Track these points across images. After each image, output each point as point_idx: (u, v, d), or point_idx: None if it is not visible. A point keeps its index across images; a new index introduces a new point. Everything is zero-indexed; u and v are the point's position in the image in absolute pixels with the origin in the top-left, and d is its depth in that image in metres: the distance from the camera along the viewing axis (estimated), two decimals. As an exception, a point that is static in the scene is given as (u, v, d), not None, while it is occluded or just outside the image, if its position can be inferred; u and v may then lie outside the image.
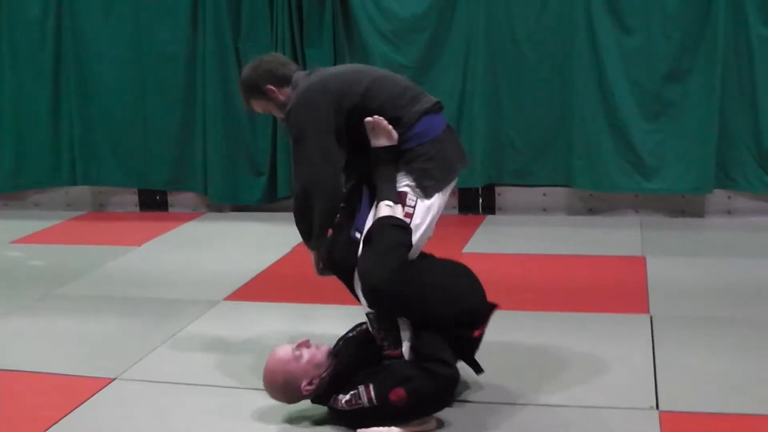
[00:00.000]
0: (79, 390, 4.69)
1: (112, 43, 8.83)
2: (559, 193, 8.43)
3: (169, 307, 6.02)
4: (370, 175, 4.31)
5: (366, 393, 3.96)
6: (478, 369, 4.25)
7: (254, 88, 4.54)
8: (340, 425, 4.09)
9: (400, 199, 4.21)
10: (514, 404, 4.27)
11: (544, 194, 8.46)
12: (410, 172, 4.27)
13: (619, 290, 6.00)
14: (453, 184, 4.49)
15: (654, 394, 4.35)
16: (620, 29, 7.92)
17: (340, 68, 4.77)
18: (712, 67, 7.74)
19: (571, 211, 8.42)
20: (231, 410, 4.42)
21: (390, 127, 4.22)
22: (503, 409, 4.22)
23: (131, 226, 8.67)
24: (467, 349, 4.20)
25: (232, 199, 8.80)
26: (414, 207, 4.24)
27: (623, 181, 8.11)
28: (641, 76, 7.93)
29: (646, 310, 5.53)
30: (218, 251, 7.49)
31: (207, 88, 8.59)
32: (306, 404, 4.25)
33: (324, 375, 4.14)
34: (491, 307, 4.26)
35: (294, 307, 5.98)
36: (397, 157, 4.28)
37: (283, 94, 4.47)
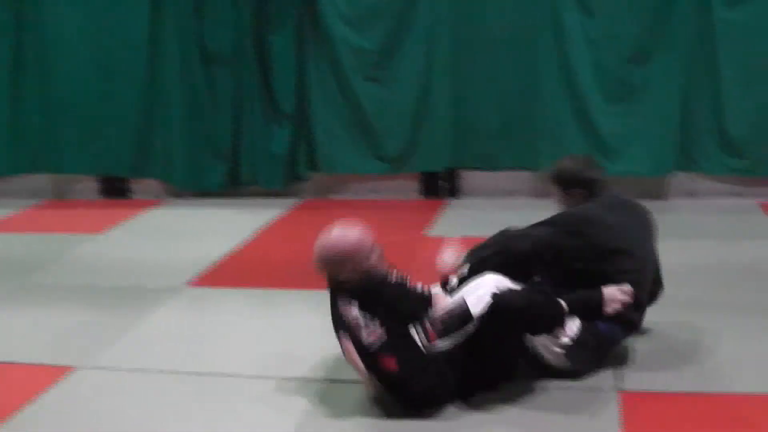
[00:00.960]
0: (41, 378, 4.65)
1: (73, 29, 8.73)
2: (523, 176, 8.44)
3: (132, 295, 5.97)
4: None
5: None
6: None
7: None
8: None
9: None
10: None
11: (509, 177, 8.45)
12: None
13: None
14: None
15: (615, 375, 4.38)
16: (584, 13, 7.92)
17: None
18: (675, 50, 7.77)
19: (536, 194, 8.41)
20: (195, 396, 4.40)
21: None
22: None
23: (93, 213, 8.59)
24: None
25: (195, 185, 8.74)
26: None
27: (587, 164, 8.12)
28: (605, 60, 7.94)
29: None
30: (181, 238, 7.44)
31: (168, 75, 8.52)
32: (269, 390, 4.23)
33: None
34: None
35: (257, 293, 5.95)
36: None
37: None
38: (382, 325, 3.98)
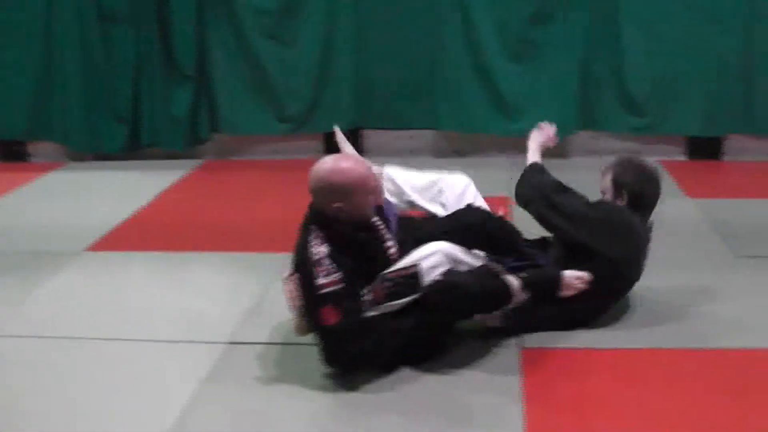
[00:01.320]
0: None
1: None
2: (425, 135, 8.46)
3: (30, 261, 5.86)
4: None
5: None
6: None
7: None
8: None
9: None
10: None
11: (411, 137, 8.48)
12: None
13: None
14: None
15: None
16: (485, -29, 7.95)
17: None
18: (577, 9, 7.84)
19: (438, 153, 8.46)
20: (96, 362, 4.36)
21: None
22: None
23: (-10, 177, 8.45)
24: None
25: (94, 148, 8.60)
26: None
27: (489, 123, 8.19)
28: (506, 18, 7.97)
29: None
30: (81, 202, 7.32)
31: (64, 34, 8.32)
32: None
33: None
34: None
35: (159, 256, 5.90)
36: None
37: None
38: (342, 276, 3.90)
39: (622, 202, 4.61)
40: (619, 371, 4.16)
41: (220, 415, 3.84)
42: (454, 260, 4.09)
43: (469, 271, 4.10)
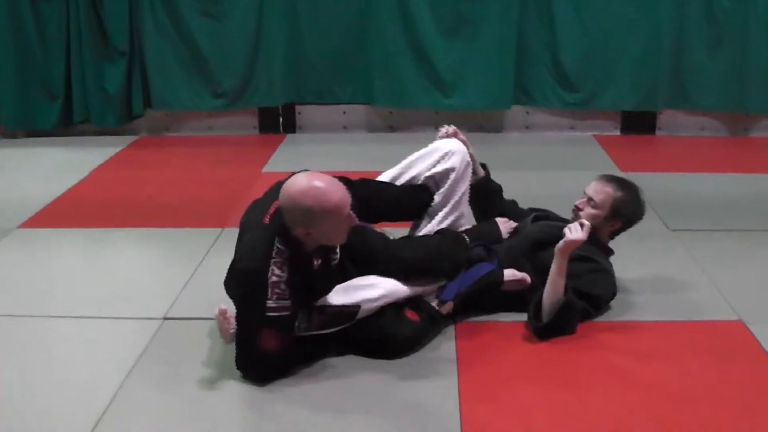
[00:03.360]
0: None
1: None
2: (359, 111, 8.46)
3: (-40, 238, 5.81)
4: None
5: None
6: None
7: None
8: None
9: None
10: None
11: (345, 112, 8.47)
12: None
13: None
14: None
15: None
16: (417, -56, 7.95)
17: None
18: (510, -16, 7.86)
19: (372, 128, 8.46)
20: (27, 340, 4.33)
21: None
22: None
23: None
24: None
25: (26, 124, 8.48)
26: None
27: (422, 99, 8.20)
28: (440, -8, 7.98)
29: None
30: (12, 178, 7.23)
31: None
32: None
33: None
34: None
35: (92, 233, 5.85)
36: None
37: None
38: (291, 304, 3.77)
39: (613, 225, 4.60)
40: (549, 342, 4.20)
41: (155, 391, 3.83)
42: (397, 297, 4.11)
43: (410, 323, 4.13)
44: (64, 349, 4.23)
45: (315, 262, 3.95)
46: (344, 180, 4.02)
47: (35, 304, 4.72)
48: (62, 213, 6.27)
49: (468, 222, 4.70)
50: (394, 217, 4.62)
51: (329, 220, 3.75)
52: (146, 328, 4.37)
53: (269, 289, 3.71)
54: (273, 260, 3.74)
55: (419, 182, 4.57)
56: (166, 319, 4.48)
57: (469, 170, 4.59)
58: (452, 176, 4.51)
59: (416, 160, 4.62)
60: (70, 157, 7.77)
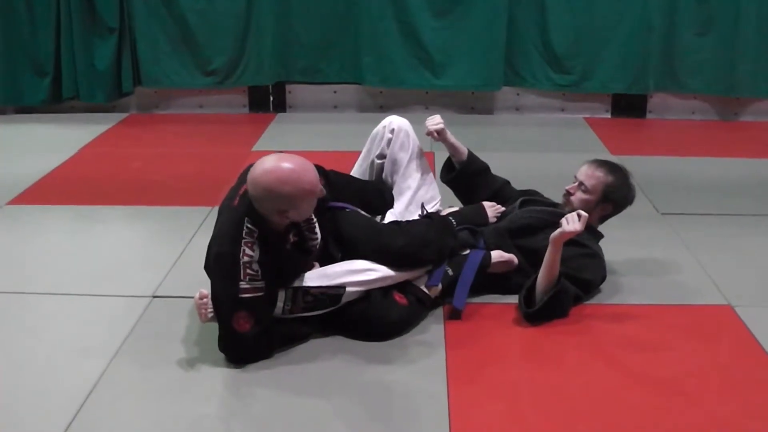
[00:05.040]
0: None
1: None
2: (349, 91, 8.44)
3: (-52, 214, 5.79)
4: None
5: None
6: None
7: None
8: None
9: None
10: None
11: (335, 92, 8.45)
12: None
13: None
14: None
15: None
16: None
17: None
18: (501, -36, 7.84)
19: (362, 108, 8.44)
20: (17, 316, 4.33)
21: None
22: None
23: None
24: None
25: (15, 100, 8.44)
26: None
27: (413, 78, 8.19)
28: (430, -28, 7.95)
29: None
30: (2, 155, 7.18)
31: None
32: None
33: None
34: None
35: (81, 210, 5.83)
36: None
37: None
38: (264, 284, 3.77)
39: (603, 209, 4.60)
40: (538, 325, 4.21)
41: (142, 369, 3.82)
42: (384, 282, 4.11)
43: (398, 306, 4.13)
44: (51, 326, 4.23)
45: (289, 239, 3.96)
46: (317, 168, 4.02)
47: (23, 281, 4.71)
48: (51, 190, 6.25)
49: (429, 184, 4.81)
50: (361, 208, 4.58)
51: (308, 199, 3.79)
52: (135, 306, 4.37)
53: (241, 271, 3.73)
54: (244, 240, 3.75)
55: (378, 162, 4.78)
56: (154, 297, 4.48)
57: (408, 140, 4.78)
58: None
59: (368, 148, 4.86)
60: (59, 134, 7.74)
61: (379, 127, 4.82)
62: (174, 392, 3.65)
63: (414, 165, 4.73)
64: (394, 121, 4.77)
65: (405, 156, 4.72)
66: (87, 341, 4.06)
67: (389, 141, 4.74)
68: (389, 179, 4.78)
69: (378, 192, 4.71)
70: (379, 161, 4.76)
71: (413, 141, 4.78)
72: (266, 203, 3.74)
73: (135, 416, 3.50)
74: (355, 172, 4.85)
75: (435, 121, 4.82)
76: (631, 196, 4.64)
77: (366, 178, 4.81)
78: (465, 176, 4.94)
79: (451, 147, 4.92)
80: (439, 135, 4.81)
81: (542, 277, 4.20)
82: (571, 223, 4.13)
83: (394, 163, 4.74)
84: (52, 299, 4.48)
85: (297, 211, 3.79)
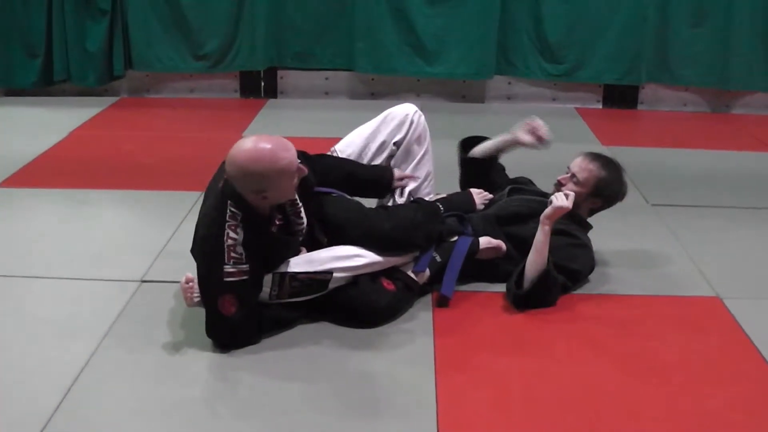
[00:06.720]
0: None
1: None
2: (341, 77, 8.44)
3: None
4: None
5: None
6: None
7: None
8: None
9: None
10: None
11: (327, 78, 8.45)
12: None
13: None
14: None
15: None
16: None
17: None
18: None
19: (354, 94, 8.44)
20: (4, 299, 4.32)
21: None
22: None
23: None
24: None
25: (6, 82, 8.42)
26: None
27: (404, 65, 8.19)
28: (424, -41, 7.95)
29: (427, 191, 5.62)
30: (-9, 137, 7.21)
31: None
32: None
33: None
34: None
35: (72, 193, 5.82)
36: None
37: None
38: (249, 267, 3.77)
39: (594, 203, 4.60)
40: (526, 313, 4.23)
41: (131, 353, 3.82)
42: (371, 268, 4.11)
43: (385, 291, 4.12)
44: (41, 309, 4.22)
45: (275, 222, 3.95)
46: (301, 153, 4.01)
47: (13, 264, 4.70)
48: (41, 173, 6.24)
49: (430, 181, 4.79)
50: (351, 192, 4.54)
51: (284, 178, 3.74)
52: (124, 289, 4.37)
53: (226, 254, 3.72)
54: (228, 223, 3.74)
55: (387, 150, 4.68)
56: (143, 281, 4.47)
57: (426, 134, 4.75)
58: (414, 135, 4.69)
59: (378, 127, 4.73)
60: (51, 116, 7.73)
61: (399, 112, 4.70)
62: (161, 375, 3.65)
63: (425, 160, 4.72)
64: (417, 113, 4.71)
65: (419, 150, 4.69)
66: (75, 324, 4.05)
67: (408, 130, 4.68)
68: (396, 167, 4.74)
69: (376, 176, 4.62)
70: (394, 148, 4.72)
71: (428, 136, 4.76)
72: (241, 182, 3.73)
73: (122, 398, 3.49)
74: (354, 145, 4.74)
75: (545, 129, 4.79)
76: (623, 193, 4.63)
77: (368, 156, 4.70)
78: (487, 167, 5.02)
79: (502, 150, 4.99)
80: (540, 142, 4.78)
81: (533, 257, 4.21)
82: (561, 200, 4.15)
83: (408, 153, 4.69)
84: (40, 282, 4.47)
85: (275, 192, 3.77)
